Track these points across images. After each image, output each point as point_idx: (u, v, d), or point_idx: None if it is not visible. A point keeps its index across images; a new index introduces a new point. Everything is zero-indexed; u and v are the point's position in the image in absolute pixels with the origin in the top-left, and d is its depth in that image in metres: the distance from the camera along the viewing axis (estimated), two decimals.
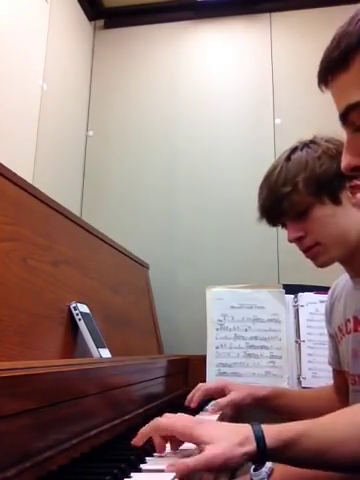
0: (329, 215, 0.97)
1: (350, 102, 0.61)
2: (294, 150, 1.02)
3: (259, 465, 0.60)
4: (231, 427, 0.64)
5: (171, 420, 0.67)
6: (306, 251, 1.01)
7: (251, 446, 0.59)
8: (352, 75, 0.60)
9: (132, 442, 0.69)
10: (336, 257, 0.99)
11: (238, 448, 0.59)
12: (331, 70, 0.63)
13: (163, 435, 0.68)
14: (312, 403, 1.17)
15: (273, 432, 0.61)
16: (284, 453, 0.61)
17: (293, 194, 0.98)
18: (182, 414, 0.71)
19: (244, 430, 0.61)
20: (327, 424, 0.64)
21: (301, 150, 1.01)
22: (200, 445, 0.61)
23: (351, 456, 0.61)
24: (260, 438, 0.60)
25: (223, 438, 0.60)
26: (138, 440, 0.69)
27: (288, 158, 1.01)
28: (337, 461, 0.61)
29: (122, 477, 0.60)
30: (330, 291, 1.15)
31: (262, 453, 0.59)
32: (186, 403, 1.20)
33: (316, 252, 0.99)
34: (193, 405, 1.19)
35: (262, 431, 0.60)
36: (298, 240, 1.01)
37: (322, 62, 0.64)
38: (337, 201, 0.96)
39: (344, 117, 0.63)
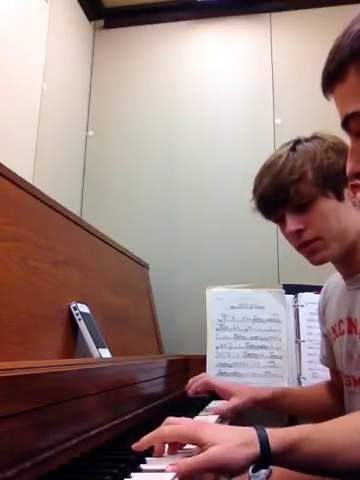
0: (332, 209, 0.95)
1: (347, 112, 0.64)
2: (299, 142, 1.00)
3: (262, 468, 0.59)
4: (235, 430, 0.63)
5: (174, 426, 0.66)
6: (304, 246, 0.97)
7: (255, 449, 0.59)
8: (348, 86, 0.63)
9: (133, 447, 0.68)
10: (334, 253, 0.97)
11: (241, 449, 0.58)
12: (329, 82, 0.66)
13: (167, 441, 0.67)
14: (313, 403, 1.17)
15: (277, 436, 0.60)
16: (287, 457, 0.60)
17: (300, 183, 0.94)
18: (184, 418, 0.70)
19: (248, 433, 0.61)
20: (330, 429, 0.63)
21: (307, 142, 0.99)
22: (203, 446, 0.60)
23: (354, 463, 0.60)
24: (264, 441, 0.59)
25: (227, 439, 0.59)
26: (140, 446, 0.67)
27: (293, 148, 0.99)
28: (339, 467, 0.61)
29: (122, 477, 0.60)
30: (322, 291, 1.15)
31: (266, 456, 0.59)
32: (186, 388, 1.21)
33: (315, 247, 0.96)
34: (189, 393, 1.20)
35: (266, 434, 0.60)
36: (297, 233, 0.97)
37: (322, 74, 0.67)
38: (340, 197, 0.95)
39: (345, 125, 0.66)
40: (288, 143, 1.01)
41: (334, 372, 1.14)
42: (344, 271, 1.02)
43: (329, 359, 1.14)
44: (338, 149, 0.97)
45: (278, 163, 0.98)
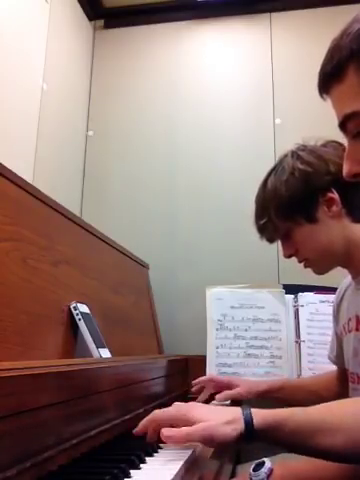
0: (307, 235, 1.02)
1: (346, 112, 0.64)
2: (270, 173, 1.07)
3: (248, 444, 0.67)
4: (223, 410, 0.71)
5: (166, 409, 0.74)
6: (301, 262, 1.10)
7: (239, 425, 0.65)
8: (346, 86, 0.63)
9: (133, 431, 0.76)
10: (326, 268, 1.06)
11: (226, 425, 0.65)
12: (327, 82, 0.66)
13: (161, 425, 0.72)
14: (309, 395, 1.22)
15: (261, 414, 0.66)
16: (270, 433, 0.66)
17: (269, 224, 1.06)
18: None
19: (235, 412, 0.67)
20: (312, 412, 0.68)
21: (275, 174, 1.05)
22: (193, 425, 0.66)
23: (330, 444, 0.64)
24: (248, 418, 0.65)
25: (214, 418, 0.66)
26: (138, 430, 0.76)
27: (265, 184, 1.07)
28: (319, 447, 0.65)
29: (122, 477, 0.60)
30: (337, 291, 1.18)
31: (250, 432, 0.65)
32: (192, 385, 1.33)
33: (308, 265, 1.08)
34: (194, 390, 1.31)
35: (250, 413, 0.66)
36: (292, 256, 1.09)
37: (319, 75, 0.68)
38: (313, 219, 1.01)
39: (342, 126, 0.66)
40: (269, 171, 1.08)
41: (341, 371, 1.15)
42: (352, 272, 1.05)
43: (339, 358, 1.15)
44: (298, 175, 1.00)
45: (255, 203, 1.09)
